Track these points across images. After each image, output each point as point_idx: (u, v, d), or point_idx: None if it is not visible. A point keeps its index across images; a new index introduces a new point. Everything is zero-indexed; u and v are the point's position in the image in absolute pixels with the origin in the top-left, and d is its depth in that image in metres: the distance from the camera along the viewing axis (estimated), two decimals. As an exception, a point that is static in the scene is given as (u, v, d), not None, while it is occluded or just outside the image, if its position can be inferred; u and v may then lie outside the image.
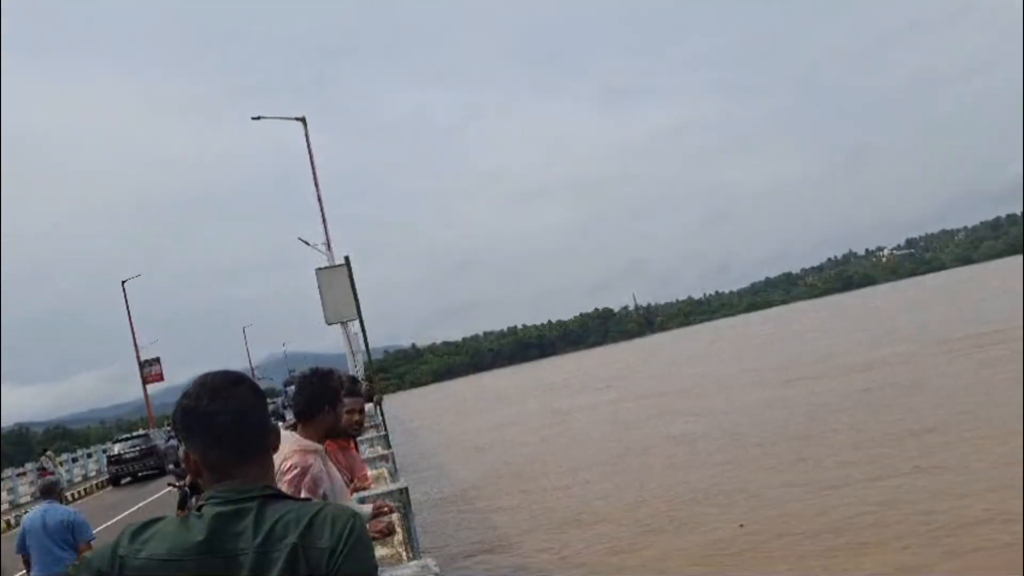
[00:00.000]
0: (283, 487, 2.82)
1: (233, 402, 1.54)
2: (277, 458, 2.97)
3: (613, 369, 58.97)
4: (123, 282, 43.34)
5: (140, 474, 28.59)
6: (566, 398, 40.32)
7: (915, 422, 15.21)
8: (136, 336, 43.61)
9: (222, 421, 1.52)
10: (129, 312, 42.96)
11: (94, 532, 7.21)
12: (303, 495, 2.80)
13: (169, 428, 43.32)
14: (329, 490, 2.98)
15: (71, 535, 6.82)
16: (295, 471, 2.94)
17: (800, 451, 14.88)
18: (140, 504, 20.11)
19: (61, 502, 7.37)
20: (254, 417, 1.56)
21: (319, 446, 3.15)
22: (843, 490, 11.58)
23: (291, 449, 3.02)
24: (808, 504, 11.30)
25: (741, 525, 10.96)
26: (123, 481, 28.45)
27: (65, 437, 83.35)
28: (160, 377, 44.80)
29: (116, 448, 29.84)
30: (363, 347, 22.28)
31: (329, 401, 3.24)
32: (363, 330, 21.13)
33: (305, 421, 3.17)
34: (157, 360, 44.88)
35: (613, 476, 16.44)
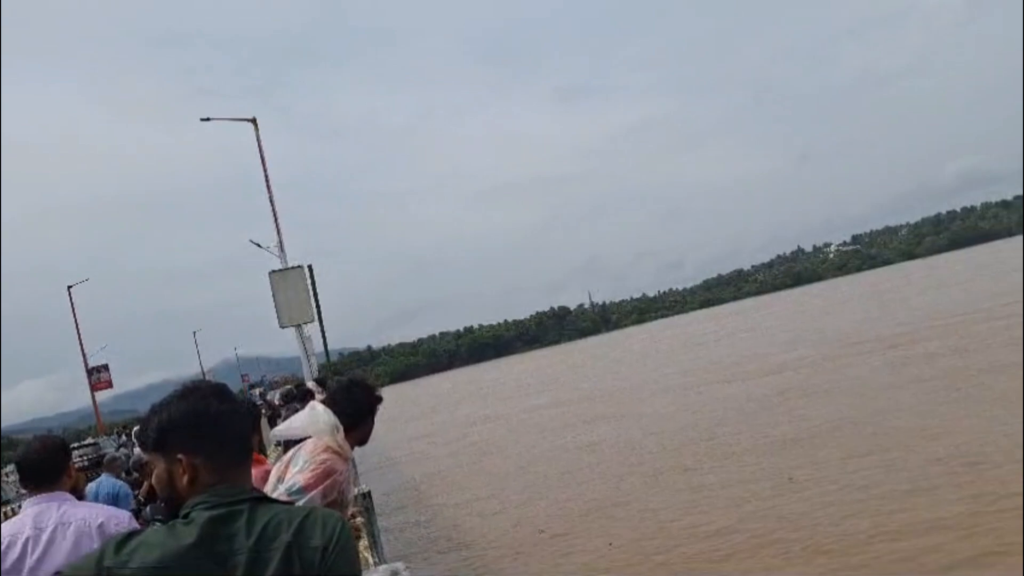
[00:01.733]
0: (303, 475, 2.93)
1: (237, 404, 1.65)
2: (308, 445, 3.07)
3: (557, 371, 59.56)
4: (69, 287, 42.00)
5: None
6: (500, 403, 40.69)
7: (803, 428, 15.55)
8: (83, 343, 42.49)
9: (233, 422, 1.62)
10: (76, 318, 41.76)
11: None
12: (316, 491, 2.88)
13: (119, 436, 42.82)
14: (338, 500, 3.02)
15: (115, 504, 7.68)
16: (323, 467, 2.96)
17: (690, 460, 15.13)
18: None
19: (117, 476, 8.41)
20: (247, 422, 1.67)
21: (351, 455, 3.22)
22: (718, 504, 11.67)
23: (326, 445, 3.05)
24: (682, 518, 11.37)
25: (610, 544, 11.03)
26: None
27: (10, 447, 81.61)
28: (109, 384, 43.95)
29: None
30: (317, 350, 22.48)
31: (371, 411, 3.29)
32: (323, 334, 21.26)
33: (347, 429, 3.16)
34: (105, 367, 43.88)
35: (508, 490, 16.50)
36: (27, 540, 2.98)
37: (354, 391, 3.27)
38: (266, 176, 22.62)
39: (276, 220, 22.17)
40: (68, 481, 3.20)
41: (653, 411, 23.20)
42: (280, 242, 21.76)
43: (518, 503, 15.13)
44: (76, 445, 32.02)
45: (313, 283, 19.93)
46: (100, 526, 3.03)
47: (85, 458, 29.07)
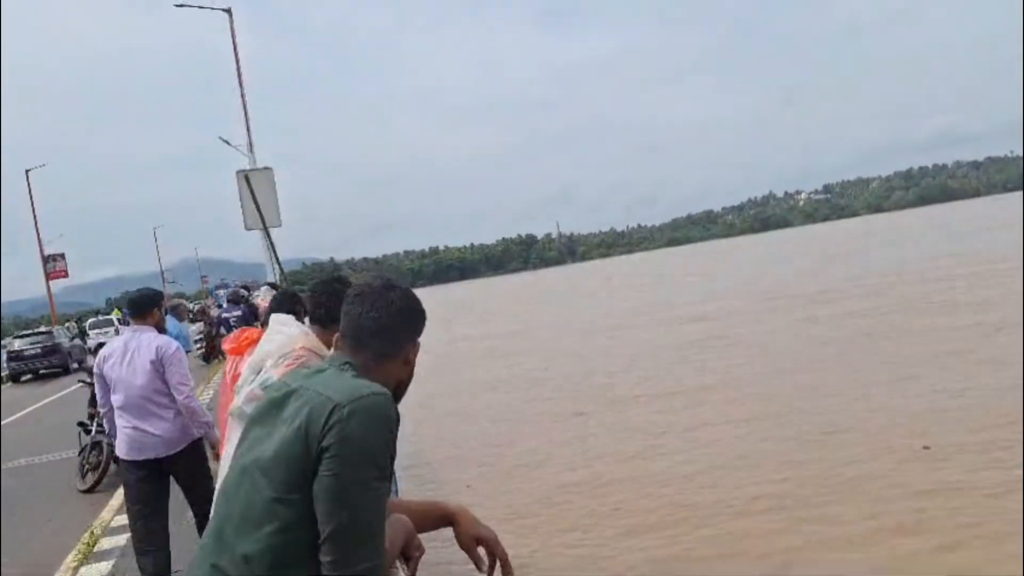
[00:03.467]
0: (278, 370, 2.94)
1: (390, 299, 1.78)
2: (277, 340, 3.17)
3: (504, 301, 60.14)
4: (27, 171, 41.38)
5: (42, 372, 28.19)
6: (436, 330, 40.69)
7: (702, 381, 15.27)
8: (40, 229, 41.78)
9: (377, 308, 1.75)
10: (33, 203, 41.05)
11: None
12: None
13: (73, 326, 42.11)
14: None
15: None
16: (299, 362, 2.96)
17: (583, 404, 14.86)
18: (44, 401, 19.73)
19: (181, 320, 10.79)
20: (389, 318, 1.75)
21: (328, 352, 3.14)
22: (580, 453, 11.19)
23: (301, 345, 3.07)
24: (544, 463, 10.97)
25: (468, 486, 10.28)
26: (23, 379, 28.11)
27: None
28: (64, 273, 43.28)
29: (17, 344, 29.07)
30: (276, 258, 22.68)
31: None
32: (271, 244, 21.43)
33: (323, 326, 3.18)
34: (62, 256, 43.26)
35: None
36: (120, 354, 4.87)
37: (335, 286, 3.27)
38: (238, 71, 21.97)
39: (247, 118, 21.41)
40: (152, 319, 5.01)
41: (570, 351, 23.16)
42: (250, 141, 21.31)
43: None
44: (29, 332, 31.62)
45: (251, 188, 19.96)
46: (156, 349, 4.82)
47: (39, 346, 29.20)
